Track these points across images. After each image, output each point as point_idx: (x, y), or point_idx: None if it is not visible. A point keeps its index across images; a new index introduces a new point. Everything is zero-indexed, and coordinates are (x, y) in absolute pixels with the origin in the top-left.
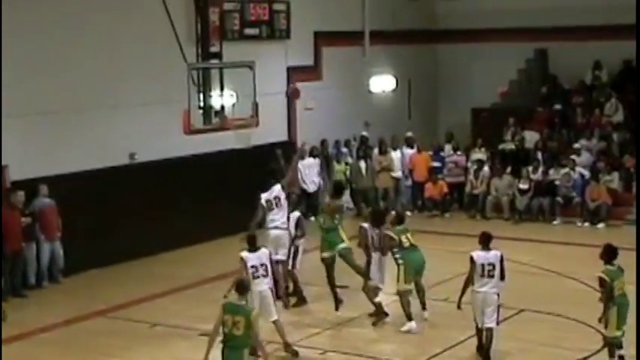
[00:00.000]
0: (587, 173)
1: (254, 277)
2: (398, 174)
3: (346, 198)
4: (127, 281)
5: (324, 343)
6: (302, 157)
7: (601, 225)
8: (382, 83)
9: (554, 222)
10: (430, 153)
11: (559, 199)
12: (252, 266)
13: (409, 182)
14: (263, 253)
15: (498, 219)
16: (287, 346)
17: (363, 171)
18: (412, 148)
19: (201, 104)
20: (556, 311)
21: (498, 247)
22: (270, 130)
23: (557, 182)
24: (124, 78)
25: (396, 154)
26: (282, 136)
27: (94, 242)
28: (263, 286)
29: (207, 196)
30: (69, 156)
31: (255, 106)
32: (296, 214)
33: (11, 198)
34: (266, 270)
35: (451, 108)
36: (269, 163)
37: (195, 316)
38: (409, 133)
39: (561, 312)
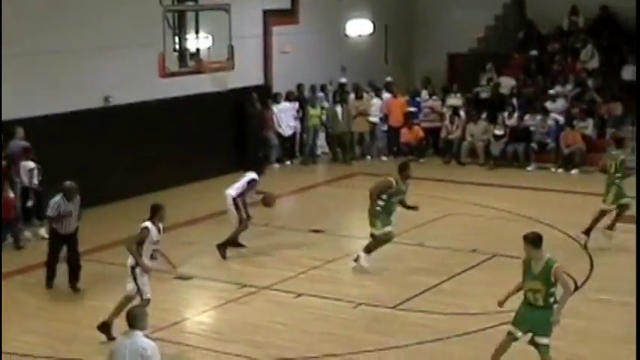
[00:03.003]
0: (561, 119)
1: None
2: (375, 119)
3: (322, 142)
4: (102, 224)
5: (298, 287)
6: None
7: (575, 171)
8: (359, 28)
9: (529, 168)
10: (406, 98)
11: (534, 145)
12: None
13: (385, 127)
14: None
15: (473, 164)
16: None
17: (339, 115)
18: (392, 93)
19: (177, 47)
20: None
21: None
22: (246, 74)
23: (532, 128)
24: (98, 20)
25: (376, 99)
26: (259, 80)
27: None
28: None
29: (182, 140)
30: (44, 99)
31: (231, 49)
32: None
33: None
34: None
35: (427, 53)
36: (245, 106)
37: (170, 259)
38: (389, 78)
39: None
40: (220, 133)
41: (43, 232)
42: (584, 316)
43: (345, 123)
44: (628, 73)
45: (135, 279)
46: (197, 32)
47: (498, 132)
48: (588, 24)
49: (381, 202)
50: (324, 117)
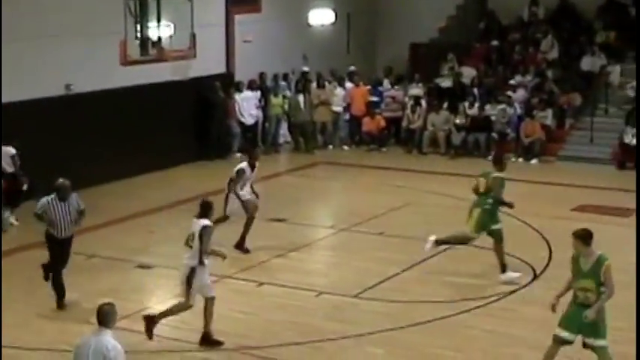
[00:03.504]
0: (522, 109)
1: None
2: (338, 108)
3: (284, 131)
4: None
5: (260, 275)
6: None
7: (534, 161)
8: (321, 17)
9: (489, 157)
10: (368, 87)
11: (494, 134)
12: None
13: (347, 116)
14: None
15: (434, 154)
16: None
17: (301, 104)
18: (354, 82)
19: (139, 35)
20: (488, 245)
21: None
22: (208, 62)
23: (492, 118)
24: (59, 8)
25: (338, 89)
26: (221, 69)
27: (29, 174)
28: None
29: (144, 129)
30: (4, 86)
31: (193, 37)
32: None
33: None
34: None
35: (390, 43)
36: (207, 95)
37: (132, 248)
38: (351, 68)
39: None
40: (183, 122)
41: (13, 219)
42: (543, 305)
43: (307, 112)
44: (587, 63)
45: (189, 282)
46: (159, 20)
47: (459, 121)
48: (548, 15)
49: (490, 200)
50: (286, 106)
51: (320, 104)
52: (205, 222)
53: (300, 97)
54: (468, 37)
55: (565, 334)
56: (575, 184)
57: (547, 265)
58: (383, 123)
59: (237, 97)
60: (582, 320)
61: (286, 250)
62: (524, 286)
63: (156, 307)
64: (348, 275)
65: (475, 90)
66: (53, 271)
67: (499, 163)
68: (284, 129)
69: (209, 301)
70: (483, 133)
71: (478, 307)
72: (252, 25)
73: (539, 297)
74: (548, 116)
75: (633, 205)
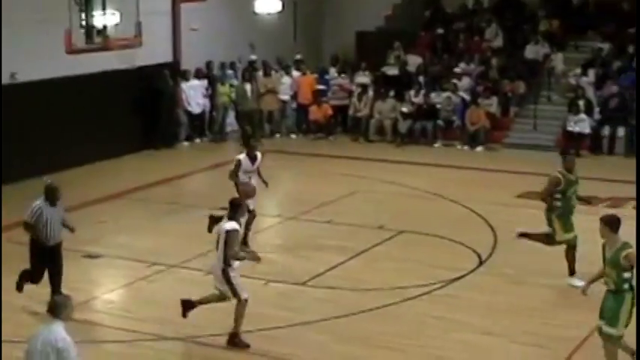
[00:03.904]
0: (467, 97)
1: None
2: (285, 96)
3: (231, 120)
4: (9, 203)
5: (207, 264)
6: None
7: (479, 148)
8: (268, 5)
9: (435, 145)
10: (315, 76)
11: (440, 122)
12: None
13: (294, 105)
14: None
15: (381, 142)
16: None
17: (248, 93)
18: (301, 71)
19: (84, 23)
20: (434, 232)
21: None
22: (155, 51)
23: (438, 106)
24: None
25: (285, 77)
26: (167, 57)
27: None
28: None
29: (90, 118)
30: None
31: (139, 25)
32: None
33: None
34: None
35: (336, 31)
36: (155, 83)
37: (80, 237)
38: (298, 56)
39: (440, 233)
40: (130, 111)
41: None
42: (489, 290)
43: (253, 100)
44: (530, 52)
45: (229, 281)
46: (104, 8)
47: (406, 109)
48: (492, 3)
49: (558, 203)
50: (233, 95)
51: (267, 93)
52: (231, 225)
53: (247, 86)
54: (413, 26)
55: (599, 322)
56: (519, 171)
57: (492, 251)
58: (330, 111)
59: (184, 85)
60: (604, 303)
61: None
62: (469, 272)
63: (104, 296)
64: (295, 263)
65: (421, 78)
66: (31, 281)
67: (562, 157)
68: (231, 117)
69: (240, 304)
70: (430, 120)
71: (424, 293)
72: (199, 13)
73: (483, 283)
74: (492, 104)
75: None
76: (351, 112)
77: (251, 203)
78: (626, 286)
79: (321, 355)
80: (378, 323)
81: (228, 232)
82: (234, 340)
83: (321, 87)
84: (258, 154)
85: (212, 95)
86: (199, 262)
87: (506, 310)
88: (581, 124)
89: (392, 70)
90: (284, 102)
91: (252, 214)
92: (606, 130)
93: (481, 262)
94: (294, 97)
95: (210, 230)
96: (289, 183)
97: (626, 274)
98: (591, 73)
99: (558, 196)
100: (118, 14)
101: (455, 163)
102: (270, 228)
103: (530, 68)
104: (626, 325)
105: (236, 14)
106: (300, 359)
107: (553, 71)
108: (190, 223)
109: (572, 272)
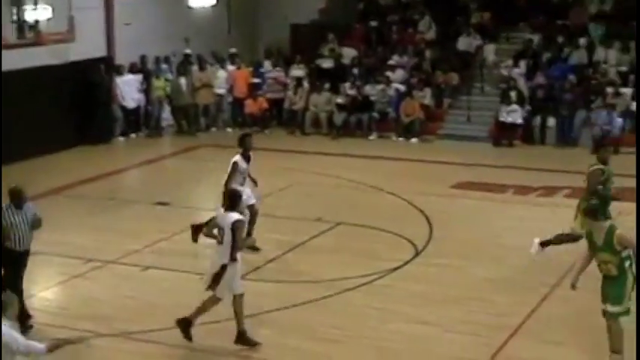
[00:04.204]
0: (401, 89)
1: None
2: (221, 90)
3: (167, 114)
4: None
5: (144, 260)
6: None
7: (414, 139)
8: None
9: (371, 137)
10: (250, 69)
11: (375, 114)
12: None
13: (230, 99)
14: None
15: (317, 134)
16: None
17: (183, 87)
18: (236, 64)
19: (15, 18)
20: (371, 224)
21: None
22: (88, 46)
23: (372, 98)
24: None
25: (220, 71)
26: (101, 52)
27: None
28: None
29: (24, 114)
30: None
31: (71, 20)
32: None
33: None
34: None
35: (270, 24)
36: (90, 78)
37: None
38: (232, 50)
39: (377, 224)
40: (64, 107)
41: None
42: (425, 280)
43: (189, 95)
44: (463, 43)
45: (218, 276)
46: (36, 3)
47: (341, 102)
48: None
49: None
50: (168, 89)
51: (202, 87)
52: (237, 216)
53: (182, 80)
54: (347, 18)
55: (603, 306)
56: (453, 162)
57: (428, 242)
58: (265, 104)
59: (119, 80)
60: (606, 289)
61: (171, 233)
62: (406, 262)
63: (38, 294)
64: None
65: (355, 70)
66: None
67: (597, 153)
68: (167, 112)
69: (237, 299)
70: (365, 113)
71: (362, 284)
72: (132, 7)
73: (420, 273)
74: (426, 96)
75: (509, 181)
76: (286, 105)
77: (252, 198)
78: (627, 264)
79: (262, 348)
80: (318, 315)
81: (236, 221)
82: (243, 339)
83: (256, 80)
84: (251, 154)
85: (147, 90)
86: (137, 257)
87: (442, 300)
88: (514, 115)
89: (327, 63)
90: (220, 96)
91: (254, 210)
92: (537, 121)
93: (417, 253)
94: (230, 90)
95: (195, 239)
96: (225, 177)
97: (624, 254)
98: (522, 64)
99: (600, 187)
100: (50, 9)
101: (390, 154)
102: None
103: (463, 60)
104: (630, 299)
105: (170, 8)
106: (240, 353)
107: (485, 63)
108: (127, 219)
109: (545, 243)
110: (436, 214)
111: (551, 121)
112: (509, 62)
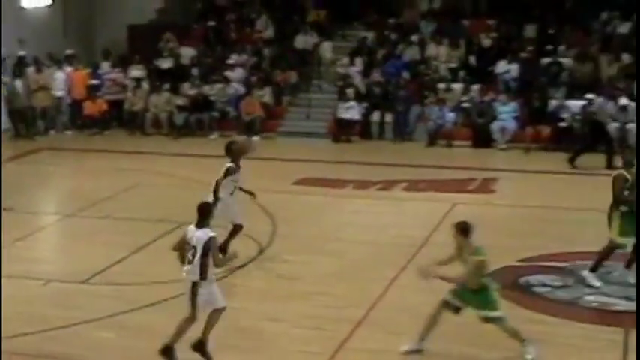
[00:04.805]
0: (241, 88)
1: None
2: (60, 92)
3: (4, 118)
4: None
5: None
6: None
7: (255, 137)
8: None
9: (212, 136)
10: (88, 70)
11: (215, 113)
12: None
13: (69, 101)
14: None
15: (158, 135)
16: None
17: (20, 90)
18: (73, 66)
19: None
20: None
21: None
22: None
23: (213, 97)
24: None
25: (58, 73)
26: None
27: None
28: None
29: None
30: None
31: None
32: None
33: None
34: None
35: (107, 25)
36: None
37: None
38: (69, 51)
39: (221, 223)
40: None
41: None
42: (270, 277)
43: (25, 97)
44: (300, 42)
45: (194, 294)
46: None
47: (181, 102)
48: None
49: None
50: (4, 92)
51: (39, 89)
52: (210, 233)
53: (18, 82)
54: (186, 18)
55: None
56: (294, 159)
57: (271, 239)
58: (104, 106)
59: None
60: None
61: (14, 239)
62: (250, 260)
63: None
64: (76, 261)
65: (195, 70)
66: None
67: (623, 159)
68: (4, 115)
69: (216, 311)
70: (205, 112)
71: None
72: None
73: (264, 270)
74: (266, 94)
75: (349, 177)
76: (126, 106)
77: (238, 217)
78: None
79: (107, 352)
80: (163, 316)
81: (210, 239)
82: (202, 349)
83: (94, 82)
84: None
85: None
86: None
87: (287, 296)
88: (351, 111)
89: (166, 63)
90: (58, 98)
91: (239, 227)
92: (375, 117)
93: (262, 250)
94: (69, 92)
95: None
96: (66, 180)
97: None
98: (358, 61)
99: (626, 192)
100: None
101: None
102: (50, 226)
103: (301, 58)
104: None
105: (2, 9)
106: (86, 358)
107: (322, 61)
108: None
109: (594, 269)
110: (279, 211)
111: (389, 117)
112: (346, 60)
